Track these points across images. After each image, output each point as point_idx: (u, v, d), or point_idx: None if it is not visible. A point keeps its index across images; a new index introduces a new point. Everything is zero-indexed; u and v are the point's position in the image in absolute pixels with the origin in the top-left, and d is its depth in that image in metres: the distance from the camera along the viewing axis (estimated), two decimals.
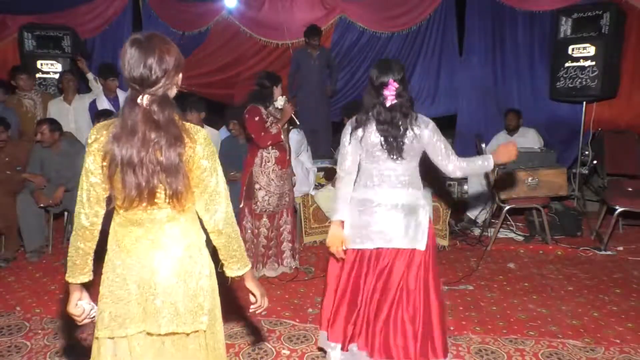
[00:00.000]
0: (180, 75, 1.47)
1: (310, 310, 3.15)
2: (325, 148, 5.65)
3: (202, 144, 1.45)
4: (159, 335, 1.50)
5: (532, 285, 3.51)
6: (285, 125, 3.58)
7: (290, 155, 3.68)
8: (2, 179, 4.09)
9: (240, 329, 2.89)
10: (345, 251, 2.30)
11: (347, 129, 2.28)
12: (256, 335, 2.83)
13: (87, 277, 1.51)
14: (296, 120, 3.65)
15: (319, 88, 5.63)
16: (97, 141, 1.41)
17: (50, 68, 5.55)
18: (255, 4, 6.08)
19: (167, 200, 1.43)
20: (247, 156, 3.58)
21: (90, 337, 2.76)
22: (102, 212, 1.47)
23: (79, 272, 1.50)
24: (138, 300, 1.49)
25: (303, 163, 4.36)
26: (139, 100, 1.38)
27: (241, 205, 3.54)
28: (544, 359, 2.57)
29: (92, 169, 1.42)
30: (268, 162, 3.50)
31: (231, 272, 1.58)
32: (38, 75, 5.50)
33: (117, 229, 1.51)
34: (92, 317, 1.55)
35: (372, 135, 2.21)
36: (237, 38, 6.14)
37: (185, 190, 1.43)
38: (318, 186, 4.52)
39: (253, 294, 1.65)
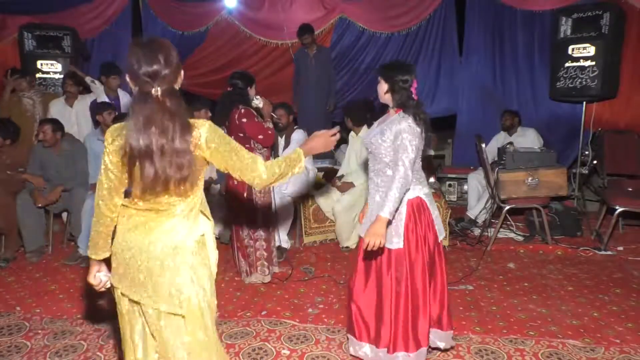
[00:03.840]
0: (182, 71, 1.61)
1: (310, 310, 3.15)
2: None
3: (210, 135, 1.57)
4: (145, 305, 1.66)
5: (532, 285, 3.51)
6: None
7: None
8: (2, 179, 4.09)
9: (241, 329, 2.89)
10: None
11: (414, 129, 2.22)
12: (256, 335, 2.83)
13: (107, 253, 1.72)
14: (274, 116, 3.62)
15: (317, 87, 5.63)
16: (114, 142, 1.55)
17: (50, 68, 5.55)
18: (255, 4, 6.08)
19: (175, 187, 1.54)
20: None
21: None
22: (120, 202, 1.65)
23: (100, 249, 1.72)
24: (131, 270, 1.64)
25: None
26: (153, 92, 1.49)
27: (243, 215, 3.48)
28: (544, 359, 2.57)
29: (111, 167, 1.58)
30: None
31: (300, 169, 1.80)
32: (38, 75, 5.50)
33: (124, 210, 1.67)
34: (108, 287, 1.79)
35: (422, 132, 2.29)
36: (237, 38, 6.15)
37: (192, 176, 1.55)
38: (318, 186, 4.52)
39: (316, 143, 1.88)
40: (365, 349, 2.44)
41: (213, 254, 1.76)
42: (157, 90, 1.49)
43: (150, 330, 1.71)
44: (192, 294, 1.63)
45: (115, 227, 1.69)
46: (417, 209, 2.31)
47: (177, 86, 1.58)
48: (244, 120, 3.31)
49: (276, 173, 1.71)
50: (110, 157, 1.57)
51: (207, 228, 1.72)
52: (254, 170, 1.67)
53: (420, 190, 2.34)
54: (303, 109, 5.60)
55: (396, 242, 2.30)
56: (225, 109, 3.42)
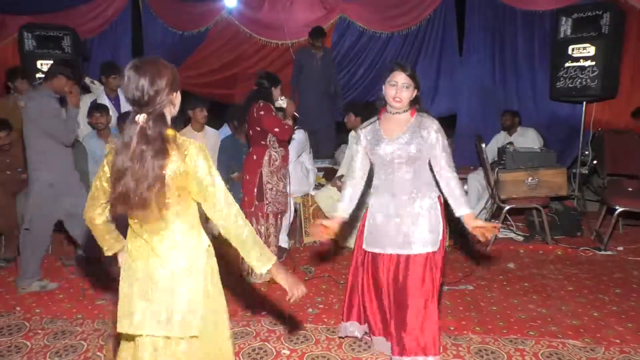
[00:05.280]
0: (176, 94, 1.61)
1: (310, 310, 3.15)
2: (326, 148, 5.65)
3: (194, 159, 1.54)
4: (154, 337, 1.63)
5: (532, 285, 3.51)
6: None
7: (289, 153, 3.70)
8: (2, 180, 4.09)
9: (240, 329, 2.89)
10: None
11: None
12: (256, 335, 2.83)
13: (122, 243, 1.78)
14: (297, 116, 3.68)
15: (320, 88, 5.63)
16: (110, 153, 1.59)
17: None
18: (255, 3, 6.08)
19: (155, 208, 1.54)
20: (249, 158, 3.54)
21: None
22: (99, 211, 1.69)
23: (112, 246, 1.78)
24: (140, 301, 1.61)
25: (303, 163, 4.36)
26: (136, 118, 1.52)
27: (252, 209, 3.49)
28: (544, 359, 2.57)
29: (102, 175, 1.62)
30: (276, 161, 3.51)
31: (257, 269, 1.67)
32: (38, 75, 5.49)
33: (129, 237, 1.69)
34: None
35: None
36: (237, 38, 6.15)
37: (156, 200, 1.52)
38: (318, 186, 4.52)
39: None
40: (379, 341, 2.49)
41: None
42: (138, 117, 1.52)
43: None
44: (200, 310, 1.64)
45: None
46: None
47: (168, 110, 1.57)
48: (262, 113, 3.40)
49: (249, 233, 1.62)
50: (105, 168, 1.62)
51: (208, 240, 1.72)
52: (225, 210, 1.59)
53: None
54: (304, 108, 5.60)
55: (436, 244, 2.32)
56: (247, 105, 3.53)
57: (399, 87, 2.23)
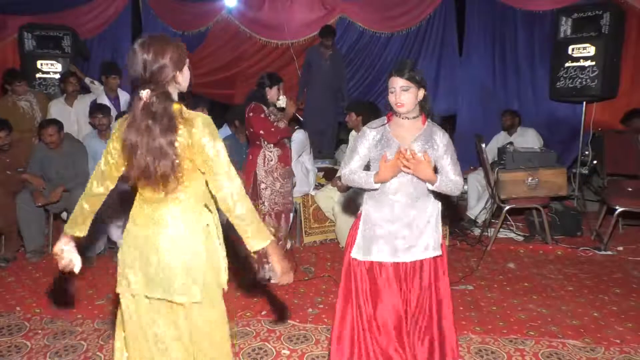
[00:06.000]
0: (181, 72, 1.62)
1: (310, 310, 3.15)
2: (329, 148, 5.65)
3: (200, 131, 1.59)
4: (161, 300, 1.68)
5: (532, 285, 3.51)
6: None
7: (291, 153, 3.70)
8: (2, 180, 4.09)
9: (240, 329, 2.89)
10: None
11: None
12: (256, 335, 2.83)
13: (82, 232, 1.77)
14: (299, 118, 3.67)
15: (328, 88, 5.63)
16: (118, 130, 1.63)
17: (50, 68, 5.55)
18: (255, 3, 6.09)
19: (162, 183, 1.59)
20: (247, 158, 3.57)
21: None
22: (111, 186, 1.73)
23: (77, 226, 1.76)
24: (140, 267, 1.67)
25: (303, 163, 4.36)
26: (140, 94, 1.55)
27: None
28: (544, 359, 2.58)
29: (113, 152, 1.66)
30: (271, 161, 3.51)
31: (251, 247, 1.68)
32: (38, 75, 5.49)
33: (135, 205, 1.73)
34: (71, 269, 1.77)
35: None
36: (237, 38, 6.15)
37: (174, 174, 1.58)
38: (318, 186, 4.52)
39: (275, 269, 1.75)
40: None
41: (221, 250, 1.76)
42: (142, 93, 1.55)
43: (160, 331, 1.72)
44: (201, 278, 1.67)
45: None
46: None
47: (172, 87, 1.61)
48: (251, 114, 3.42)
49: (247, 210, 1.64)
50: (114, 144, 1.65)
51: (210, 220, 1.72)
52: (226, 183, 1.61)
53: None
54: (310, 107, 5.59)
55: (439, 248, 2.24)
56: (245, 105, 3.55)
57: (397, 93, 2.13)
